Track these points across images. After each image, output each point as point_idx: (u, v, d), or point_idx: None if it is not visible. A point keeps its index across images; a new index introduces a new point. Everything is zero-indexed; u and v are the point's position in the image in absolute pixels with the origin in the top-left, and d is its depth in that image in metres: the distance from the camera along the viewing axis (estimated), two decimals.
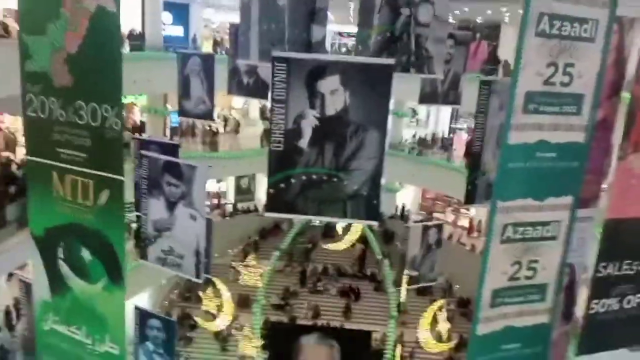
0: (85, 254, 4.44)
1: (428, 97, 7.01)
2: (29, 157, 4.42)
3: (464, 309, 19.71)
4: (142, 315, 6.02)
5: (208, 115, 7.55)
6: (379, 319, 19.27)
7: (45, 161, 4.30)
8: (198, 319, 15.19)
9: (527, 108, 3.62)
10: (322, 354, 4.50)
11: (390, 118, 3.90)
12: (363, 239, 20.23)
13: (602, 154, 4.37)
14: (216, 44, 21.08)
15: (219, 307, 13.32)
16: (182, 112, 7.69)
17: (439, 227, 8.11)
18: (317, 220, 17.65)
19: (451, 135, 24.03)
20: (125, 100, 18.68)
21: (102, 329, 4.67)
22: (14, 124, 13.97)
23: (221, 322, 13.67)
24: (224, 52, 18.00)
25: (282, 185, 3.83)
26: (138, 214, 5.12)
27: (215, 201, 23.41)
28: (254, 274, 16.16)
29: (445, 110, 24.65)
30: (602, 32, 3.62)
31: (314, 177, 3.81)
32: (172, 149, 5.20)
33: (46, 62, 4.12)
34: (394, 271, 20.47)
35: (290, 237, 22.53)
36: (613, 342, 4.75)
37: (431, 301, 17.17)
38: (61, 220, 4.44)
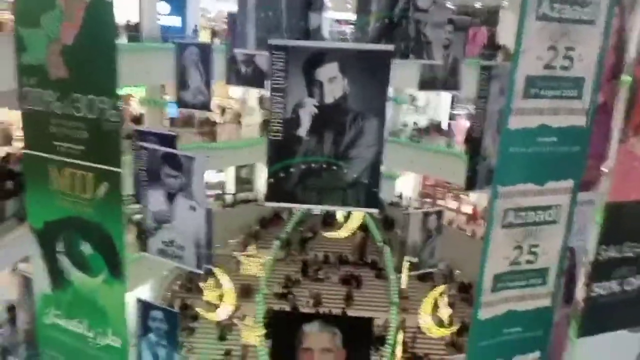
0: (85, 247, 4.43)
1: (427, 83, 6.96)
2: (26, 151, 4.39)
3: (465, 294, 19.80)
4: (144, 307, 6.03)
5: (206, 106, 7.51)
6: (381, 305, 19.35)
7: (43, 154, 4.28)
8: (200, 310, 15.23)
9: (527, 92, 3.59)
10: (324, 341, 4.56)
11: (389, 105, 3.87)
12: (363, 227, 20.26)
13: (602, 138, 4.35)
14: (214, 33, 20.95)
15: (221, 298, 13.33)
16: (180, 103, 7.65)
17: (439, 214, 8.11)
18: (317, 209, 17.66)
19: (451, 121, 23.94)
20: (122, 92, 18.61)
21: (104, 322, 4.68)
22: (10, 117, 13.89)
23: (223, 313, 13.68)
24: (221, 42, 17.89)
25: (282, 174, 3.82)
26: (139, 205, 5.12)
27: (216, 192, 23.39)
28: (256, 263, 16.17)
29: (445, 96, 24.54)
30: (603, 14, 3.58)
31: (314, 165, 3.79)
32: (171, 140, 5.16)
33: (42, 54, 4.08)
34: (394, 258, 20.52)
35: (290, 226, 22.56)
36: (614, 324, 4.76)
37: (432, 287, 17.20)
38: (60, 213, 4.43)
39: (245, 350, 17.31)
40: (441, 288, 13.66)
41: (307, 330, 4.88)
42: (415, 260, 7.96)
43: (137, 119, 19.78)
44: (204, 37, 20.21)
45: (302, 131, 3.73)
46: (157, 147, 4.73)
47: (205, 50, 7.33)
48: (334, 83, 3.62)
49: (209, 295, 13.60)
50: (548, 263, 3.97)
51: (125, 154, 4.24)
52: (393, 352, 16.88)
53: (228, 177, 24.00)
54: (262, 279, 19.20)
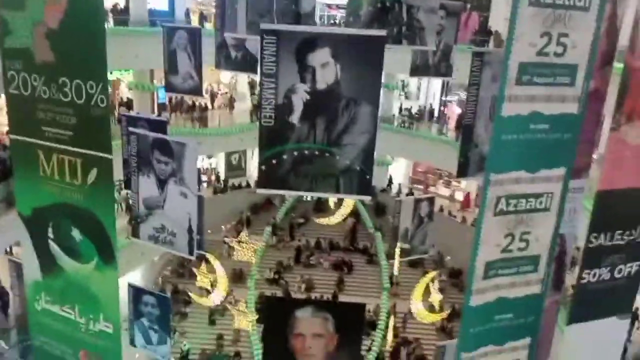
0: (76, 234, 4.39)
1: (419, 69, 6.91)
2: (13, 136, 4.33)
3: (456, 279, 19.97)
4: (136, 292, 6.01)
5: (196, 91, 7.41)
6: (372, 291, 19.49)
7: (31, 140, 4.21)
8: (192, 295, 15.27)
9: (520, 79, 3.57)
10: (316, 326, 4.58)
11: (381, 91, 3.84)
12: (354, 213, 20.31)
13: (593, 125, 4.35)
14: (203, 17, 20.70)
15: (213, 283, 13.38)
16: (169, 87, 7.54)
17: (431, 200, 8.12)
18: (309, 196, 17.67)
19: (442, 107, 23.93)
20: (110, 77, 18.39)
21: (96, 308, 4.67)
22: None
23: (216, 298, 13.75)
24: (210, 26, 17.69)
25: (274, 161, 3.79)
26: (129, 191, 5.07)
27: (207, 178, 23.31)
28: (248, 249, 16.20)
29: (436, 83, 24.50)
30: (597, 0, 3.55)
31: (306, 152, 3.76)
32: (161, 126, 5.10)
33: (27, 37, 4.00)
34: (386, 244, 20.63)
35: (282, 212, 22.56)
36: (603, 311, 4.81)
37: (423, 273, 17.35)
38: (49, 199, 4.38)
39: (237, 334, 17.40)
40: (432, 274, 13.78)
41: (299, 316, 4.89)
42: (406, 246, 7.98)
43: (126, 105, 19.57)
44: (193, 20, 19.97)
45: (294, 117, 3.69)
46: (147, 132, 4.67)
47: (194, 34, 7.22)
48: (326, 69, 3.58)
49: (202, 280, 13.64)
50: (539, 250, 3.99)
51: (115, 139, 4.19)
52: (384, 337, 17.06)
53: (219, 163, 23.90)
54: (254, 264, 19.28)
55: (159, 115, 17.24)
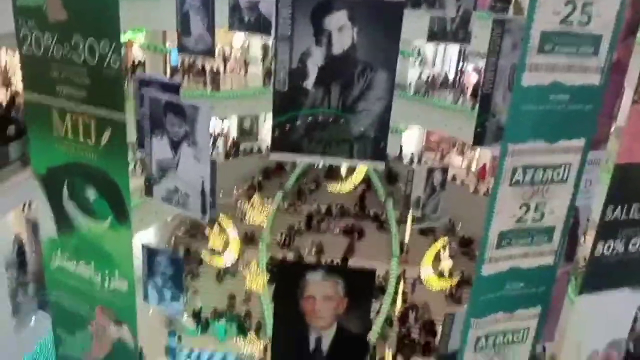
0: (90, 193, 4.43)
1: (437, 35, 6.76)
2: (27, 95, 4.32)
3: (466, 248, 20.06)
4: (150, 252, 6.12)
5: (209, 53, 7.35)
6: (382, 257, 19.67)
7: (44, 99, 4.21)
8: (205, 256, 15.52)
9: (542, 49, 3.46)
10: (327, 289, 4.62)
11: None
12: (365, 180, 20.31)
13: (613, 96, 4.25)
14: None
15: (225, 245, 13.57)
16: (182, 49, 7.48)
17: (444, 169, 8.08)
18: (322, 162, 17.66)
19: (459, 75, 23.51)
20: (123, 38, 18.23)
21: (110, 267, 4.74)
22: (10, 59, 13.65)
23: (227, 259, 13.95)
24: None
25: (287, 126, 3.75)
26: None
27: (220, 141, 23.32)
28: (259, 213, 16.34)
29: (453, 50, 24.00)
30: None
31: (320, 118, 3.72)
32: (174, 89, 5.07)
33: None
34: (397, 211, 20.70)
35: (293, 177, 22.64)
36: (615, 282, 4.81)
37: (433, 241, 17.44)
38: (64, 159, 4.40)
39: (248, 294, 17.74)
40: (443, 241, 13.83)
41: (310, 279, 4.93)
42: (418, 214, 7.99)
43: (139, 67, 19.48)
44: None
45: (309, 82, 3.63)
46: (160, 95, 4.65)
47: None
48: (342, 32, 3.49)
49: (214, 242, 13.83)
50: (554, 222, 3.95)
51: (128, 100, 4.17)
52: (393, 302, 17.30)
53: (231, 127, 23.88)
54: (265, 228, 19.48)
55: (172, 77, 17.17)
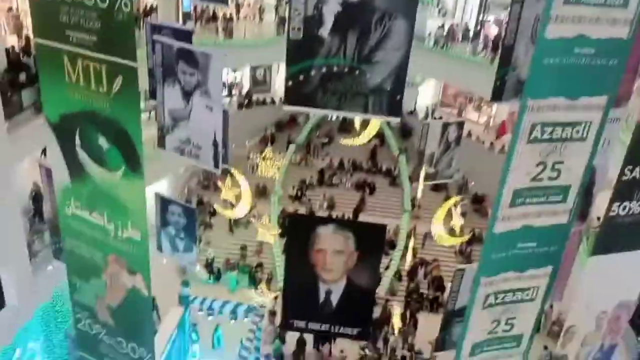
0: (102, 142, 4.41)
1: None
2: (38, 40, 4.25)
3: (478, 205, 20.02)
4: (163, 202, 6.16)
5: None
6: (393, 212, 19.72)
7: (55, 44, 4.13)
8: (217, 207, 15.64)
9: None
10: (337, 242, 4.69)
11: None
12: (378, 134, 20.07)
13: (638, 52, 4.06)
14: None
15: (237, 197, 13.63)
16: None
17: (460, 125, 7.94)
18: (336, 115, 17.48)
19: (479, 27, 22.79)
20: None
21: (124, 216, 4.78)
22: (21, 4, 13.41)
23: (240, 211, 14.05)
24: None
25: (301, 77, 3.67)
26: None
27: (232, 91, 23.09)
28: (271, 166, 16.34)
29: (473, 0, 23.19)
30: None
31: (335, 69, 3.62)
32: (186, 35, 4.96)
33: None
34: (410, 167, 20.59)
35: (306, 130, 22.49)
36: (629, 244, 4.76)
37: (446, 197, 17.39)
38: (76, 107, 4.37)
39: (260, 246, 17.99)
40: (455, 199, 13.78)
41: (321, 233, 4.97)
42: (431, 170, 7.92)
43: (151, 13, 19.11)
44: None
45: (324, 31, 3.51)
46: (172, 41, 4.55)
47: None
48: None
49: (226, 194, 13.91)
50: (570, 181, 3.88)
51: (141, 48, 4.08)
52: (403, 256, 17.44)
53: (244, 77, 23.56)
54: (278, 181, 19.53)
55: (184, 24, 16.84)
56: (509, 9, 4.57)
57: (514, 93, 4.58)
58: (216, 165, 4.95)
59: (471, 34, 21.47)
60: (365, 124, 16.98)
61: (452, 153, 7.77)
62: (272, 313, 15.07)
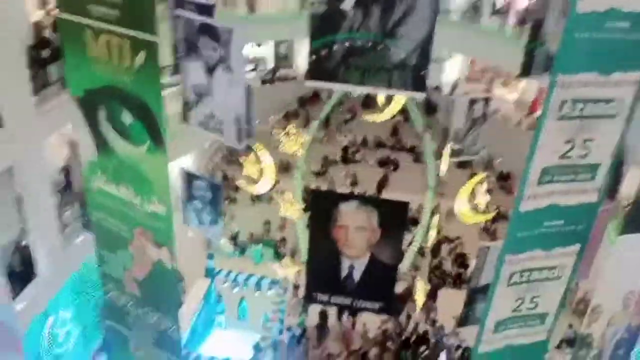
0: (126, 117, 4.46)
1: None
2: (60, 15, 4.27)
3: (504, 182, 19.74)
4: (189, 177, 6.22)
5: None
6: (416, 189, 19.58)
7: (77, 19, 4.14)
8: (241, 182, 15.75)
9: None
10: (360, 219, 4.70)
11: None
12: (402, 110, 19.81)
13: None
14: None
15: (261, 172, 13.68)
16: None
17: (486, 101, 7.76)
18: (359, 91, 17.29)
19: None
20: None
21: (149, 190, 4.84)
22: None
23: (263, 187, 14.10)
24: None
25: (324, 52, 3.61)
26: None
27: (256, 67, 23.01)
28: (294, 142, 16.30)
29: None
30: None
31: (358, 43, 3.55)
32: (208, 10, 4.91)
33: None
34: (434, 143, 20.32)
35: (329, 106, 22.32)
36: None
37: (470, 174, 17.17)
38: (99, 82, 4.40)
39: (284, 221, 18.12)
40: (481, 176, 13.58)
41: (344, 209, 4.96)
42: (456, 147, 7.80)
43: None
44: None
45: (347, 4, 3.44)
46: (194, 16, 4.51)
47: None
48: None
49: (249, 169, 13.97)
50: (600, 159, 3.77)
51: (164, 22, 4.07)
52: (426, 233, 17.38)
53: (267, 53, 23.41)
54: (301, 157, 19.53)
55: None
56: None
57: (543, 68, 4.45)
58: (239, 141, 4.95)
59: (499, 6, 20.84)
60: (389, 99, 16.76)
61: (478, 129, 7.62)
62: (296, 286, 15.26)
